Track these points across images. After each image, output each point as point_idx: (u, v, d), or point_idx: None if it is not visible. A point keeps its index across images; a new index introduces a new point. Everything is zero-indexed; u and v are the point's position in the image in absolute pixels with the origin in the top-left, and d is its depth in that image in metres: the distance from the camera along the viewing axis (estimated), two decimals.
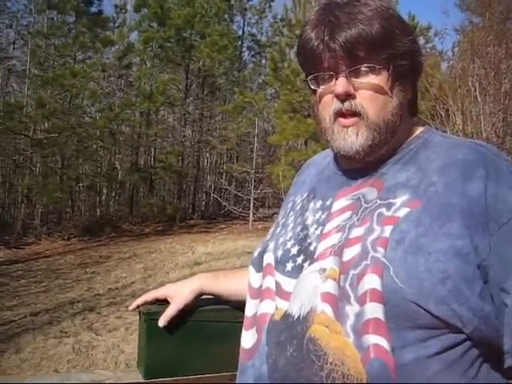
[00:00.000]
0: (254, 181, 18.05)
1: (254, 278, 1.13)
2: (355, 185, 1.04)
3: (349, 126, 1.00)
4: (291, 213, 1.15)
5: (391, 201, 0.96)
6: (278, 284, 1.04)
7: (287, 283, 1.02)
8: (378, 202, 0.98)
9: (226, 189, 20.30)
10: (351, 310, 0.90)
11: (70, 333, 7.09)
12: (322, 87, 1.03)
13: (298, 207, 1.14)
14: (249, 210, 17.50)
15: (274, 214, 18.55)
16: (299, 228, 1.08)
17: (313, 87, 1.05)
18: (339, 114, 1.01)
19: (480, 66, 12.77)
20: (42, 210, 17.83)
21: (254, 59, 24.97)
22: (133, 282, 10.03)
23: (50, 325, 7.46)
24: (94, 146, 19.24)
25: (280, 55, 17.39)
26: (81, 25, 17.69)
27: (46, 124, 17.05)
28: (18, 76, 19.72)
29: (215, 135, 21.18)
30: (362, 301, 0.89)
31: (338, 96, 1.00)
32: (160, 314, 1.36)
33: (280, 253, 1.07)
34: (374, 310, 0.88)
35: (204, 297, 1.47)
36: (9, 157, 18.64)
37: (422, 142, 1.05)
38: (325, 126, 1.04)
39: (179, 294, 1.35)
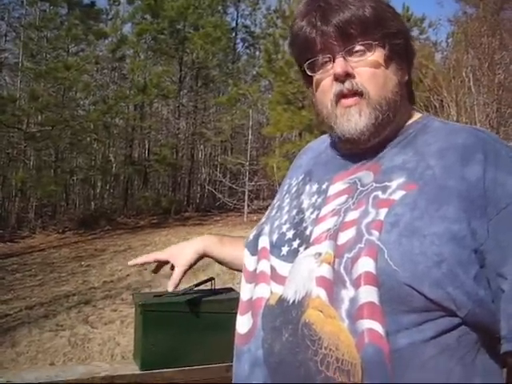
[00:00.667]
0: (249, 173, 18.01)
1: (248, 261, 1.12)
2: (352, 169, 1.04)
3: (351, 106, 1.00)
4: (287, 195, 1.15)
5: (387, 184, 0.96)
6: (273, 268, 1.03)
7: (282, 267, 1.01)
8: (374, 185, 0.98)
9: (221, 181, 20.28)
10: (346, 294, 0.90)
11: (65, 326, 7.08)
12: (319, 73, 1.03)
13: (294, 190, 1.14)
14: (243, 202, 17.49)
15: (269, 205, 18.47)
16: (295, 211, 1.08)
17: (309, 74, 1.04)
18: (341, 95, 1.00)
19: (474, 57, 12.78)
20: (36, 204, 17.76)
21: (247, 51, 24.92)
22: (128, 275, 10.01)
23: (45, 318, 7.45)
24: (88, 139, 19.16)
25: (274, 47, 17.34)
26: (73, 17, 17.55)
27: (40, 117, 16.95)
28: (10, 69, 19.58)
29: (209, 127, 21.12)
30: (356, 284, 0.89)
31: (337, 77, 0.99)
32: (155, 305, 1.37)
33: (275, 236, 1.07)
34: (369, 294, 0.87)
35: (199, 288, 1.48)
36: (2, 150, 18.53)
37: (420, 126, 1.04)
38: (327, 113, 1.03)
39: (182, 255, 1.35)
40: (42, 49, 18.41)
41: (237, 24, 24.11)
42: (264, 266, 1.05)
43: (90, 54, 17.82)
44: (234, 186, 18.62)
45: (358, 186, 1.00)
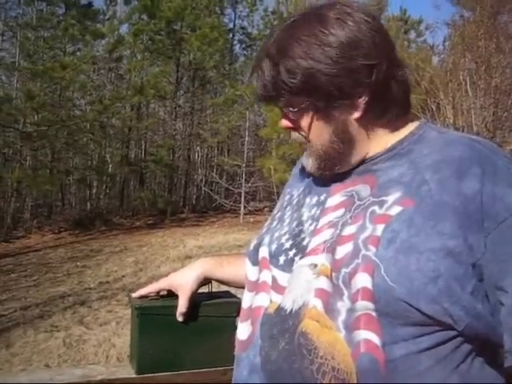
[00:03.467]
0: (245, 174, 18.03)
1: (250, 271, 1.14)
2: (349, 181, 1.05)
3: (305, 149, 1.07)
4: (288, 207, 1.16)
5: (383, 198, 0.96)
6: (274, 278, 1.05)
7: (281, 277, 1.03)
8: (371, 199, 0.98)
9: (217, 182, 20.29)
10: (343, 305, 0.91)
11: (60, 327, 7.06)
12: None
13: (295, 202, 1.15)
14: (240, 203, 17.49)
15: (265, 207, 18.54)
16: (295, 223, 1.09)
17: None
18: None
19: (471, 60, 12.82)
20: (32, 204, 17.74)
21: (245, 52, 24.94)
22: (123, 276, 10.00)
23: (40, 319, 7.43)
24: (85, 139, 19.14)
25: None
26: (70, 17, 17.53)
27: (36, 117, 16.91)
28: (6, 68, 19.52)
29: (206, 128, 21.12)
30: (353, 299, 0.90)
31: None
32: (152, 308, 1.36)
33: (274, 246, 1.08)
34: (366, 307, 0.89)
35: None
36: None
37: (416, 138, 1.04)
38: None
39: (184, 283, 1.35)
40: (38, 48, 18.39)
41: (234, 25, 24.17)
42: (266, 276, 1.07)
43: (86, 54, 17.77)
44: (230, 188, 18.62)
45: (356, 200, 1.01)
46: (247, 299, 1.11)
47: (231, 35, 23.74)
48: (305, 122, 1.02)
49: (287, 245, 1.06)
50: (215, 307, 1.41)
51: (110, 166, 20.40)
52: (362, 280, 0.89)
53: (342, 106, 0.99)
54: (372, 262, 0.89)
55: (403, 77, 1.03)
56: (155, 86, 18.60)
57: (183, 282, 1.36)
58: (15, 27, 19.02)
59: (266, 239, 1.12)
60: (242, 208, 17.26)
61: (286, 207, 1.17)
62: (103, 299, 8.43)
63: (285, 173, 11.86)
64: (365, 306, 0.88)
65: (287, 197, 1.20)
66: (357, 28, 0.97)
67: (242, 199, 17.45)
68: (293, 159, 14.38)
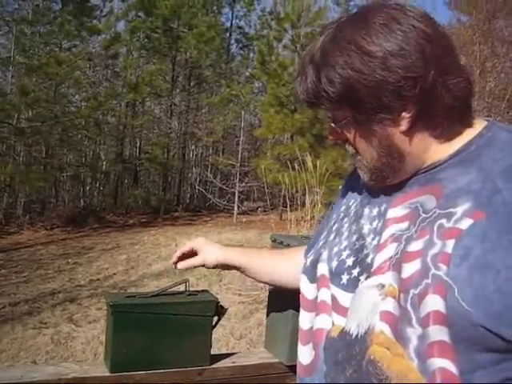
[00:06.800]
0: (240, 174, 18.00)
1: (307, 288, 1.08)
2: (411, 191, 0.97)
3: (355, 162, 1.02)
4: (345, 219, 1.09)
5: (451, 210, 0.89)
6: (334, 297, 0.99)
7: (343, 297, 0.97)
8: (438, 211, 0.90)
9: (211, 181, 20.25)
10: (413, 332, 0.84)
11: (49, 324, 7.02)
12: None
13: (352, 213, 1.08)
14: (233, 203, 17.46)
15: (259, 207, 18.52)
16: (355, 237, 1.02)
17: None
18: None
19: (466, 64, 12.84)
20: (24, 200, 17.64)
21: (241, 52, 24.91)
22: (115, 274, 9.96)
23: (29, 315, 7.38)
24: (79, 136, 19.07)
25: (268, 48, 17.32)
26: (66, 12, 17.44)
27: (30, 112, 16.83)
28: (2, 63, 19.42)
29: (201, 127, 21.07)
30: (424, 323, 0.83)
31: None
32: (127, 306, 1.35)
33: (335, 264, 1.02)
34: (439, 333, 0.82)
35: (173, 289, 1.45)
36: None
37: (485, 140, 0.95)
38: None
39: (206, 255, 1.40)
40: (34, 44, 18.28)
41: (231, 25, 24.13)
42: (325, 295, 1.02)
43: (82, 51, 17.69)
44: (224, 187, 18.59)
45: (421, 213, 0.93)
46: (307, 320, 1.06)
47: (228, 34, 23.72)
48: (349, 135, 0.97)
49: (349, 262, 0.99)
50: (192, 306, 1.39)
51: (104, 163, 20.33)
52: (434, 303, 0.82)
53: (385, 120, 0.92)
54: (444, 283, 0.82)
55: (457, 84, 0.93)
56: (151, 84, 18.55)
57: (207, 254, 1.40)
58: (11, 22, 18.89)
59: (325, 254, 1.05)
60: (236, 208, 17.23)
61: (342, 219, 1.10)
62: (93, 296, 8.38)
63: (278, 173, 11.83)
64: (438, 331, 0.81)
65: (343, 207, 1.13)
66: (403, 37, 0.89)
67: (236, 199, 17.43)
68: (287, 160, 14.39)
